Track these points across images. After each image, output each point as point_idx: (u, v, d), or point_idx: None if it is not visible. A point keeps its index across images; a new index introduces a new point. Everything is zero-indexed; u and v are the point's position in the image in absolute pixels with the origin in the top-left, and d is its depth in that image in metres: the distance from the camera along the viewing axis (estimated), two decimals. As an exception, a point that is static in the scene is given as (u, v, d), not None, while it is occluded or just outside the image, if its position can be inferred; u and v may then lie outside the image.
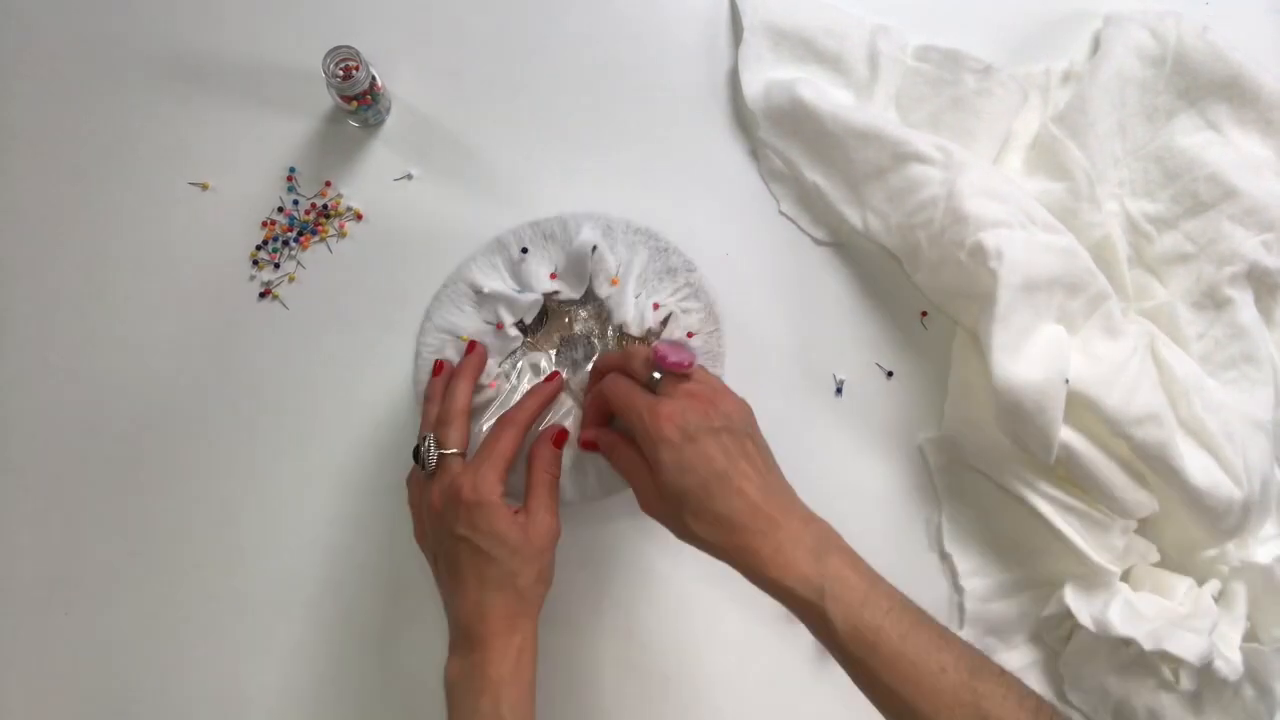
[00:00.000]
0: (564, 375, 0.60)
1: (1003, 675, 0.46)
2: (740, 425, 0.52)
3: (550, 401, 0.58)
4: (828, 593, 0.47)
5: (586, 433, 0.57)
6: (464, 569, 0.53)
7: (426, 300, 0.64)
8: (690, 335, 0.60)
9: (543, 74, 0.72)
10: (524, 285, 0.60)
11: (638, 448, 0.52)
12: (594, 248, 0.59)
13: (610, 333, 0.62)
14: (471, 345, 0.59)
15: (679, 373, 0.53)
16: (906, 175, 0.66)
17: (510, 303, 0.59)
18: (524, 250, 0.60)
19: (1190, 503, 0.61)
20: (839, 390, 0.68)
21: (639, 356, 0.54)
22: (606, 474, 0.59)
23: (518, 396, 0.59)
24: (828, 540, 0.50)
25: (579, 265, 0.59)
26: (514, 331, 0.60)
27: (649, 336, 0.61)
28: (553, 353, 0.62)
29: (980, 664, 0.46)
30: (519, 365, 0.61)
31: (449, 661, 0.54)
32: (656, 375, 0.53)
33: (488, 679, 0.51)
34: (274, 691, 0.64)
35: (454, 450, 0.55)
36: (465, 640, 0.53)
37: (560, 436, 0.57)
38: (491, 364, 0.59)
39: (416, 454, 0.55)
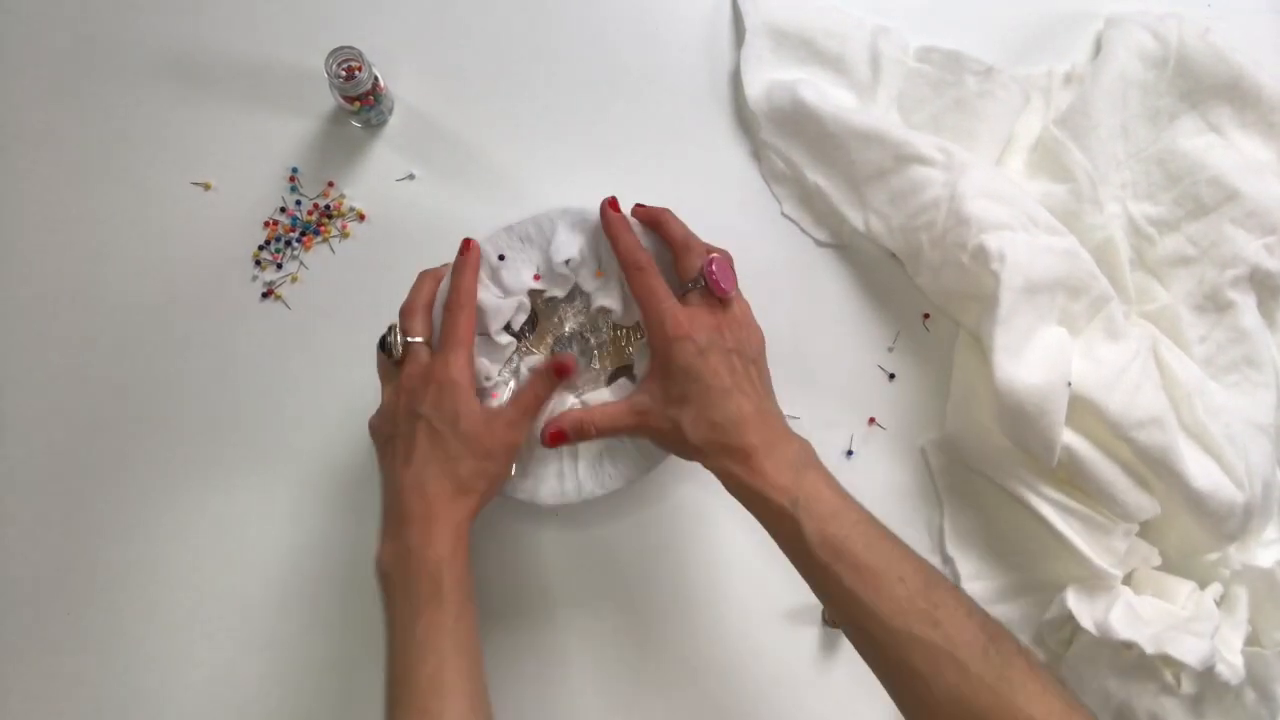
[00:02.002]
0: (479, 245, 0.59)
1: (954, 590, 0.49)
2: (751, 352, 0.55)
3: (477, 269, 0.59)
4: (801, 503, 0.50)
5: (556, 427, 0.57)
6: (415, 447, 0.53)
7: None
8: None
9: (545, 75, 0.72)
10: (508, 292, 0.60)
11: (649, 386, 0.55)
12: (567, 261, 0.58)
13: (603, 326, 0.62)
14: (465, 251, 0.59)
15: (718, 292, 0.55)
16: (908, 177, 0.66)
17: (493, 311, 0.58)
18: (501, 257, 0.59)
19: (1192, 506, 0.61)
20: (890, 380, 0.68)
21: (696, 254, 0.56)
22: (623, 464, 0.59)
23: None
24: (806, 457, 0.53)
25: (560, 268, 0.59)
26: (505, 339, 0.59)
27: (639, 328, 0.60)
28: (548, 354, 0.61)
29: (935, 579, 0.49)
30: (518, 371, 0.60)
31: (381, 550, 0.53)
32: (697, 283, 0.55)
33: (425, 560, 0.51)
34: (274, 690, 0.64)
35: (419, 339, 0.56)
36: (399, 522, 0.53)
37: (563, 369, 0.57)
38: (492, 370, 0.59)
39: (383, 343, 0.56)
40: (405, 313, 0.57)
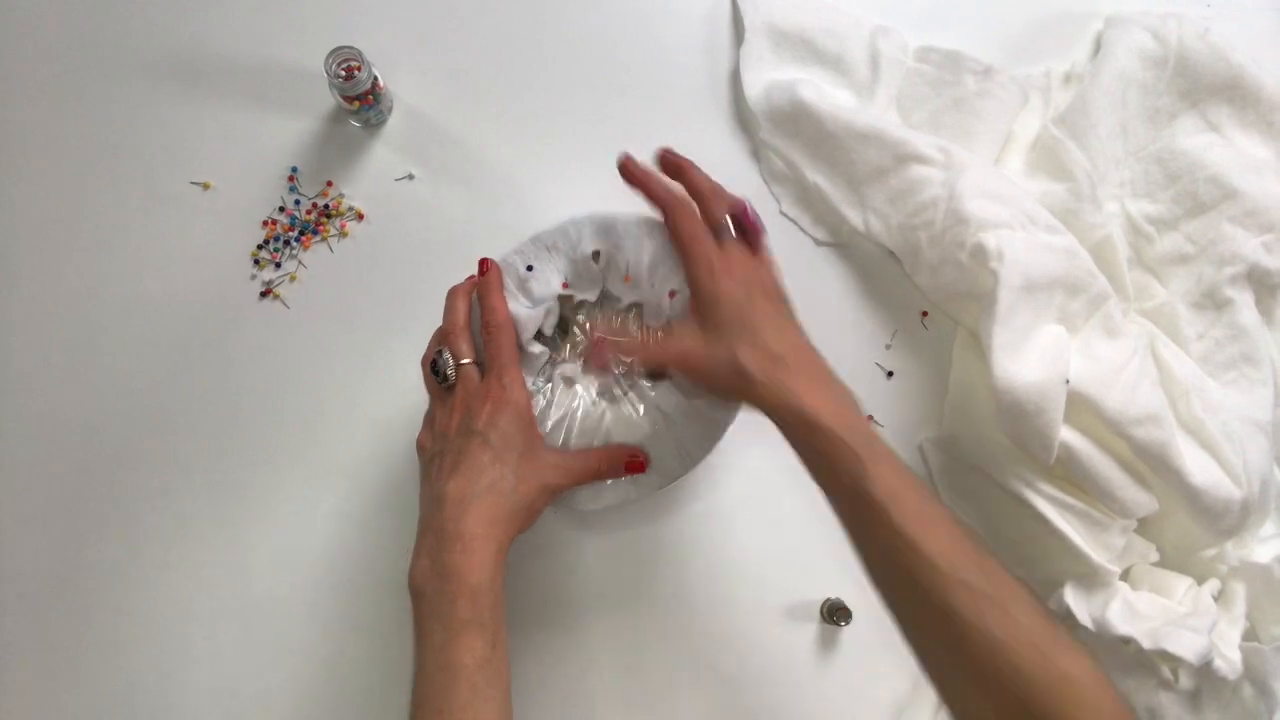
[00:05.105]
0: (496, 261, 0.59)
1: (992, 551, 0.48)
2: (781, 294, 0.56)
3: (501, 286, 0.58)
4: (864, 441, 0.48)
5: (604, 350, 0.58)
6: (465, 461, 0.52)
7: (428, 300, 0.63)
8: None
9: (544, 74, 0.72)
10: (537, 301, 0.59)
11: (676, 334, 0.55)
12: (595, 254, 0.58)
13: (633, 328, 0.61)
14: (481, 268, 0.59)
15: (752, 234, 0.55)
16: (907, 176, 0.66)
17: (524, 322, 0.57)
18: (529, 268, 0.59)
19: (1190, 502, 0.61)
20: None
21: (724, 198, 0.56)
22: (662, 466, 0.59)
23: (554, 412, 0.58)
24: (857, 402, 0.52)
25: (588, 271, 0.59)
26: (537, 348, 0.59)
27: (669, 328, 0.60)
28: (581, 361, 0.61)
29: (979, 537, 0.48)
30: (553, 379, 0.60)
31: (415, 565, 0.51)
32: (729, 228, 0.55)
33: (464, 583, 0.49)
34: (274, 692, 0.64)
35: (468, 360, 0.55)
36: (437, 540, 0.51)
37: (636, 466, 0.57)
38: (525, 381, 0.58)
39: (435, 368, 0.55)
40: (449, 335, 0.56)
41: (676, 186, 0.57)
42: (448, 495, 0.51)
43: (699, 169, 0.58)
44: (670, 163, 0.58)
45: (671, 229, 0.55)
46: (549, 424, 0.58)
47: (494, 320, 0.55)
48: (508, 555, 0.52)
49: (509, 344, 0.55)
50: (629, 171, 0.57)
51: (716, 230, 0.55)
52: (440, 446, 0.55)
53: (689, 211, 0.55)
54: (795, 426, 0.49)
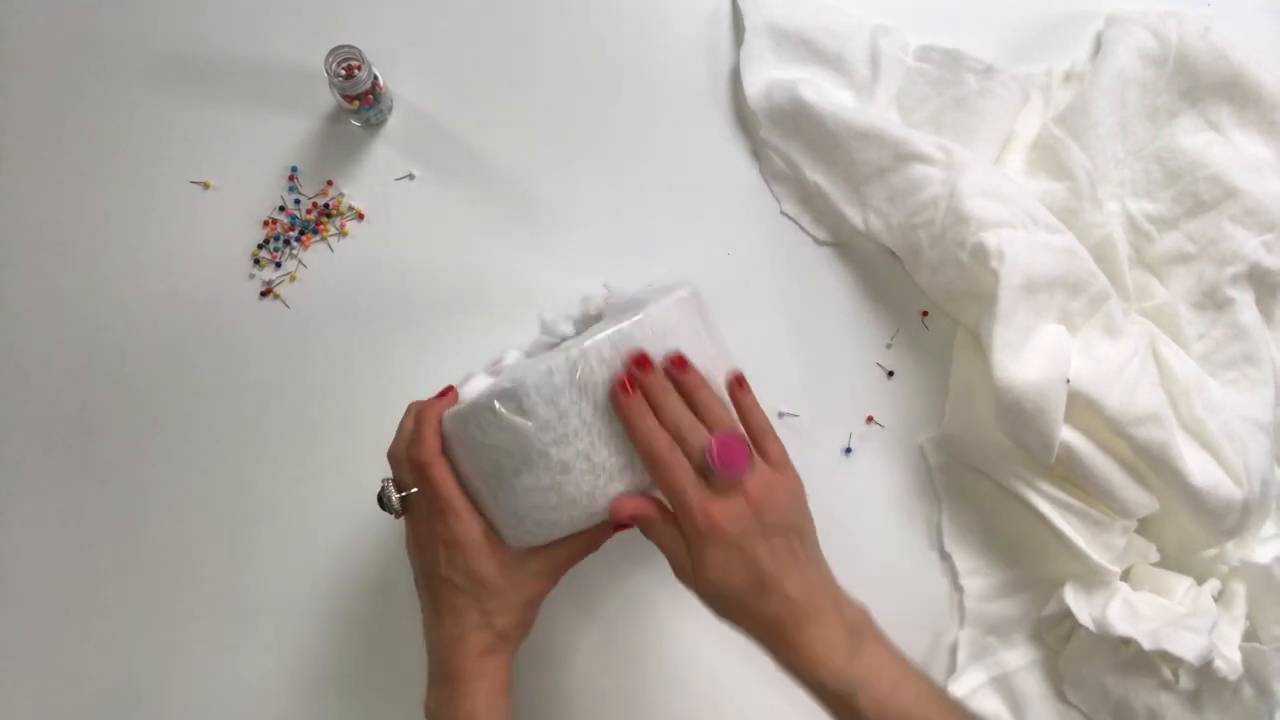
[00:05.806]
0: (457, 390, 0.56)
1: None
2: (792, 519, 0.51)
3: (438, 418, 0.54)
4: (860, 686, 0.48)
5: (626, 506, 0.51)
6: (446, 609, 0.53)
7: (428, 300, 0.63)
8: None
9: (544, 73, 0.72)
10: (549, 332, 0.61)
11: (678, 526, 0.50)
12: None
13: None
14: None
15: (729, 479, 0.49)
16: (908, 175, 0.66)
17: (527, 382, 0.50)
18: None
19: (1190, 502, 0.61)
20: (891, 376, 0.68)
21: (697, 444, 0.50)
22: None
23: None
24: (861, 628, 0.51)
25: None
26: (541, 410, 0.50)
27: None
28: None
29: None
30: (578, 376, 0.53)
31: (428, 694, 0.55)
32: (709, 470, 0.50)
33: (462, 712, 0.52)
34: (274, 692, 0.64)
35: (414, 490, 0.53)
36: (441, 674, 0.54)
37: (603, 537, 0.56)
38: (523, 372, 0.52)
39: (382, 503, 0.54)
40: (394, 460, 0.55)
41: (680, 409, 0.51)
42: (438, 642, 0.54)
43: (686, 381, 0.51)
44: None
45: (654, 478, 0.51)
46: (572, 448, 0.50)
47: (417, 459, 0.52)
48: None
49: (442, 479, 0.52)
50: (618, 403, 0.50)
51: (702, 469, 0.50)
52: (419, 566, 0.55)
53: (665, 465, 0.49)
54: (796, 680, 0.50)
